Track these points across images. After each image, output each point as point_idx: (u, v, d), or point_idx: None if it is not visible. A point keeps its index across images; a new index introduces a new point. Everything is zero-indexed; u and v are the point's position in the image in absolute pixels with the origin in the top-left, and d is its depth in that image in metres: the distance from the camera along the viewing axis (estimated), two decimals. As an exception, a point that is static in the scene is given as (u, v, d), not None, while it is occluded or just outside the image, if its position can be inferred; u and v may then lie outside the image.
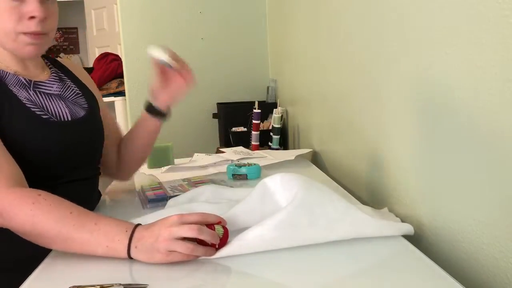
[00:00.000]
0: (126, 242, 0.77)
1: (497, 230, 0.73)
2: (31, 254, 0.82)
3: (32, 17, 0.94)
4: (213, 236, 0.77)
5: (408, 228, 0.88)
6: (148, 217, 0.92)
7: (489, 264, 0.76)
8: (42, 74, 1.07)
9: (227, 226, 0.81)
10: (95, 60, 3.20)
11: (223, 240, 0.79)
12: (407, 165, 1.01)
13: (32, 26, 0.95)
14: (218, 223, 0.81)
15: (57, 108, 1.02)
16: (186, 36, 2.55)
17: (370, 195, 1.22)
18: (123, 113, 2.80)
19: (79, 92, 1.12)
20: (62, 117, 1.02)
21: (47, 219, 0.79)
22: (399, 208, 1.05)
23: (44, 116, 0.98)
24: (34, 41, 0.96)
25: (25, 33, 0.95)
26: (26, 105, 0.96)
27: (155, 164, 1.57)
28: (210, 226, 0.79)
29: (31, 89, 1.01)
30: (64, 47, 5.87)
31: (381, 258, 0.78)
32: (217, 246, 0.78)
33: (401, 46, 0.99)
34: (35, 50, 0.98)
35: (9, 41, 0.96)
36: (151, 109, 1.14)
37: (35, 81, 1.03)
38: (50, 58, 1.16)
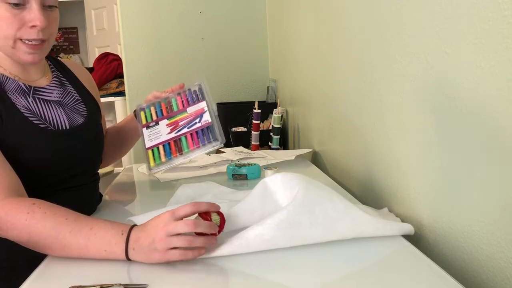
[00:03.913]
0: (123, 245, 0.77)
1: (497, 230, 0.73)
2: (31, 254, 0.82)
3: (33, 26, 0.94)
4: (210, 227, 0.77)
5: (408, 228, 0.88)
6: (148, 216, 0.92)
7: (489, 264, 0.75)
8: (43, 78, 1.06)
9: (225, 222, 0.81)
10: (95, 60, 3.19)
11: (221, 226, 0.80)
12: (407, 165, 1.01)
13: (33, 34, 0.95)
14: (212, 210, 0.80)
15: (55, 116, 1.02)
16: (186, 36, 2.55)
17: (370, 195, 1.22)
18: (123, 113, 2.81)
19: (79, 98, 1.11)
20: (60, 125, 1.01)
21: (43, 227, 0.79)
22: (399, 208, 1.05)
23: (41, 126, 0.98)
24: (33, 50, 0.96)
25: (24, 41, 0.95)
26: (24, 114, 0.96)
27: (155, 164, 1.57)
28: (206, 215, 0.79)
29: (31, 96, 1.00)
30: (64, 47, 5.87)
31: (381, 258, 0.78)
32: (217, 234, 0.79)
33: (401, 46, 0.99)
34: (34, 58, 0.98)
35: (8, 48, 0.96)
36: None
37: (35, 87, 1.03)
38: (51, 58, 1.15)
